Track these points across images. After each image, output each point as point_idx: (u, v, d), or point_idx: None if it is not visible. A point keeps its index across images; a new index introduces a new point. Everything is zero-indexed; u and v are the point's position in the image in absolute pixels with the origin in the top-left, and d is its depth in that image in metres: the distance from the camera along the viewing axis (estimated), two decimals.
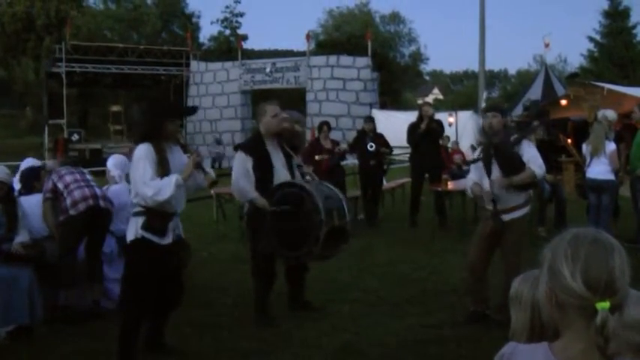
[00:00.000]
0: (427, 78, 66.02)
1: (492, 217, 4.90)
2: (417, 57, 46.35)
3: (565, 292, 1.26)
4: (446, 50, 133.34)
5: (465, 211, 9.18)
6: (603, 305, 1.22)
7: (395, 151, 10.47)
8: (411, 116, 10.47)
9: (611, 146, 7.52)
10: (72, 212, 5.03)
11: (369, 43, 24.22)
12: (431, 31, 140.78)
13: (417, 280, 6.31)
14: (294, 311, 5.25)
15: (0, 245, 4.81)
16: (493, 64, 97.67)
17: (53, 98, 24.83)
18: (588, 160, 7.69)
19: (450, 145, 14.73)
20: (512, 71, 67.04)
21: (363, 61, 24.08)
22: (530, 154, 4.94)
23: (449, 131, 15.34)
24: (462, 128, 18.78)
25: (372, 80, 24.06)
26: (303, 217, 4.71)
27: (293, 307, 5.30)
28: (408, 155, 10.40)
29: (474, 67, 56.17)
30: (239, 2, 39.10)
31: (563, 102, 14.55)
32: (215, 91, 25.83)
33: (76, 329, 4.82)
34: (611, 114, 8.16)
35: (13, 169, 5.86)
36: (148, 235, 3.99)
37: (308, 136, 16.59)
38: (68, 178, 5.21)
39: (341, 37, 38.53)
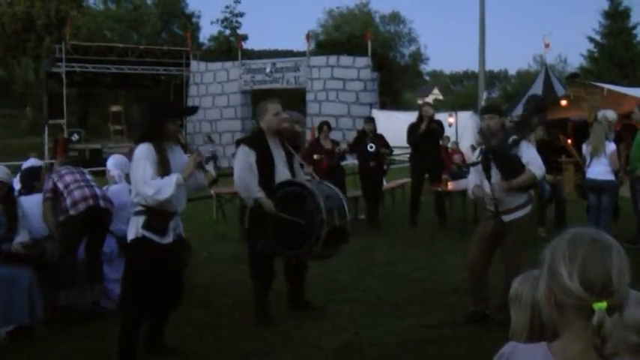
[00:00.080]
0: (427, 78, 66.03)
1: (493, 218, 4.91)
2: (417, 57, 46.36)
3: (563, 292, 1.27)
4: (446, 50, 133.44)
5: (465, 212, 9.19)
6: (600, 305, 1.22)
7: (395, 152, 10.46)
8: (411, 116, 10.47)
9: (611, 146, 7.52)
10: (72, 212, 5.03)
11: (369, 43, 24.21)
12: (431, 31, 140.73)
13: (417, 280, 6.32)
14: (294, 311, 5.25)
15: (0, 245, 4.81)
16: (493, 65, 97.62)
17: (53, 98, 24.80)
18: (588, 160, 7.70)
19: (449, 145, 14.74)
20: (512, 71, 67.22)
21: (363, 61, 24.07)
22: (530, 156, 4.93)
23: (449, 131, 15.33)
24: (461, 128, 18.78)
25: (372, 80, 24.05)
26: (305, 216, 4.71)
27: (293, 307, 5.30)
28: (408, 155, 10.40)
29: (474, 67, 56.19)
30: (239, 2, 39.15)
31: (563, 102, 14.55)
32: (215, 91, 25.82)
33: (76, 329, 4.82)
34: (611, 114, 8.17)
35: (14, 169, 5.86)
36: (148, 235, 4.00)
37: (308, 136, 16.58)
38: (68, 178, 5.21)
39: (341, 38, 38.52)
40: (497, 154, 4.92)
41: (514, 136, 5.03)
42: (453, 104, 39.14)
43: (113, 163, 5.87)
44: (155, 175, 3.92)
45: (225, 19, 39.29)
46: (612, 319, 1.23)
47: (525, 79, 43.80)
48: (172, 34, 40.29)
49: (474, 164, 5.23)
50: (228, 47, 36.21)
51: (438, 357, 4.29)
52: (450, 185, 8.92)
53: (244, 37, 34.54)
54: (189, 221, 6.83)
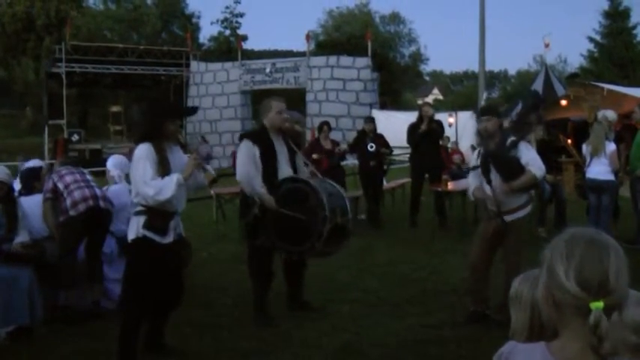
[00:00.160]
0: (427, 78, 66.02)
1: (496, 218, 4.90)
2: (417, 57, 46.35)
3: (560, 292, 1.27)
4: (446, 50, 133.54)
5: (465, 212, 9.19)
6: (597, 305, 1.22)
7: (395, 152, 10.47)
8: (411, 116, 10.47)
9: (611, 146, 7.52)
10: (72, 213, 5.03)
11: (369, 44, 24.20)
12: (431, 32, 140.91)
13: (417, 280, 6.32)
14: (294, 311, 5.25)
15: (0, 245, 4.81)
16: (493, 65, 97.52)
17: (53, 98, 24.80)
18: (588, 160, 7.70)
19: (449, 145, 14.74)
20: (512, 72, 67.22)
21: (363, 61, 24.06)
22: (529, 157, 4.92)
23: (449, 132, 15.33)
24: (461, 129, 18.77)
25: (372, 80, 24.04)
26: (308, 212, 4.71)
27: (292, 307, 5.30)
28: (408, 155, 10.40)
29: (474, 67, 56.23)
30: (239, 2, 39.11)
31: (563, 102, 14.55)
32: (215, 92, 25.81)
33: (76, 329, 4.82)
34: (611, 114, 8.17)
35: (14, 170, 5.86)
36: (149, 234, 4.00)
37: (308, 137, 16.58)
38: (68, 179, 5.21)
39: (341, 38, 38.51)
40: (496, 157, 4.92)
41: (512, 138, 5.02)
42: (453, 104, 39.14)
43: (113, 163, 5.87)
44: (155, 176, 3.92)
45: (225, 19, 39.30)
46: (610, 319, 1.23)
47: (525, 79, 43.81)
48: (172, 35, 40.31)
49: (473, 168, 5.22)
50: (228, 47, 36.20)
51: (438, 357, 4.29)
52: (450, 185, 8.92)
53: (244, 38, 34.52)
54: (189, 221, 6.84)
